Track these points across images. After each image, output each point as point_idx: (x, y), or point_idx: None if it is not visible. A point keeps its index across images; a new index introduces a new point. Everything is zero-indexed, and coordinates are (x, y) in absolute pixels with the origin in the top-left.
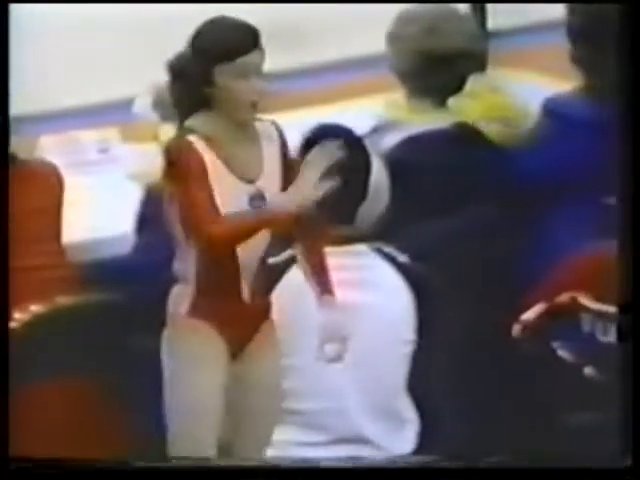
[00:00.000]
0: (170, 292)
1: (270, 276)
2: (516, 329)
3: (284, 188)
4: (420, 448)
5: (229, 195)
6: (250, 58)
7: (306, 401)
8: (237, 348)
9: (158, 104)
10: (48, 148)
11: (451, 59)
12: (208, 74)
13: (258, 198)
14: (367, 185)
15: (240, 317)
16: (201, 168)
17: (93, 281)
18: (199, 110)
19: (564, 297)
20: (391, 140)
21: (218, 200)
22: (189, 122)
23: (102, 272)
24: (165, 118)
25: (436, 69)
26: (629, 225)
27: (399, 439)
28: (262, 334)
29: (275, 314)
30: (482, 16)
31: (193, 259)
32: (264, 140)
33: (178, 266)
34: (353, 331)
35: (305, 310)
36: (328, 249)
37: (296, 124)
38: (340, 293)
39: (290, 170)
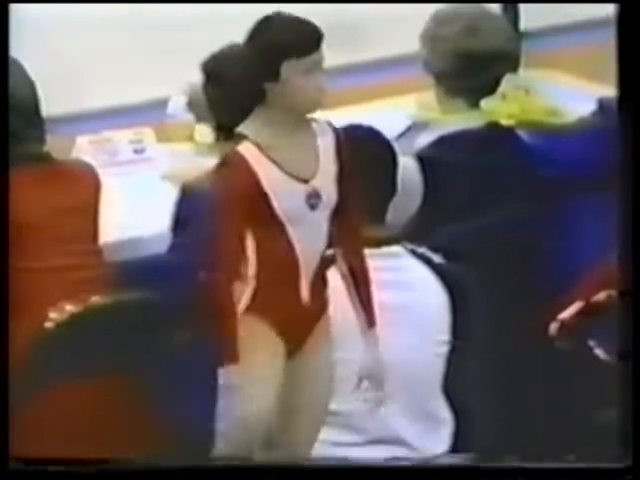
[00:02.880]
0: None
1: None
2: (553, 328)
3: (339, 187)
4: (455, 448)
5: (285, 196)
6: (316, 55)
7: (343, 402)
8: (294, 347)
9: (193, 104)
10: (84, 148)
11: (488, 60)
12: (274, 70)
13: (315, 197)
14: (395, 182)
15: (299, 316)
16: (242, 194)
17: (128, 281)
18: (248, 111)
19: (601, 295)
20: (424, 140)
21: (274, 202)
22: (242, 128)
23: (137, 272)
24: (200, 118)
25: (472, 69)
26: None
27: (434, 439)
28: (318, 331)
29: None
30: (515, 16)
31: (253, 256)
32: (320, 139)
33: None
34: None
35: (344, 310)
36: None
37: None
38: (375, 294)
39: (344, 169)
